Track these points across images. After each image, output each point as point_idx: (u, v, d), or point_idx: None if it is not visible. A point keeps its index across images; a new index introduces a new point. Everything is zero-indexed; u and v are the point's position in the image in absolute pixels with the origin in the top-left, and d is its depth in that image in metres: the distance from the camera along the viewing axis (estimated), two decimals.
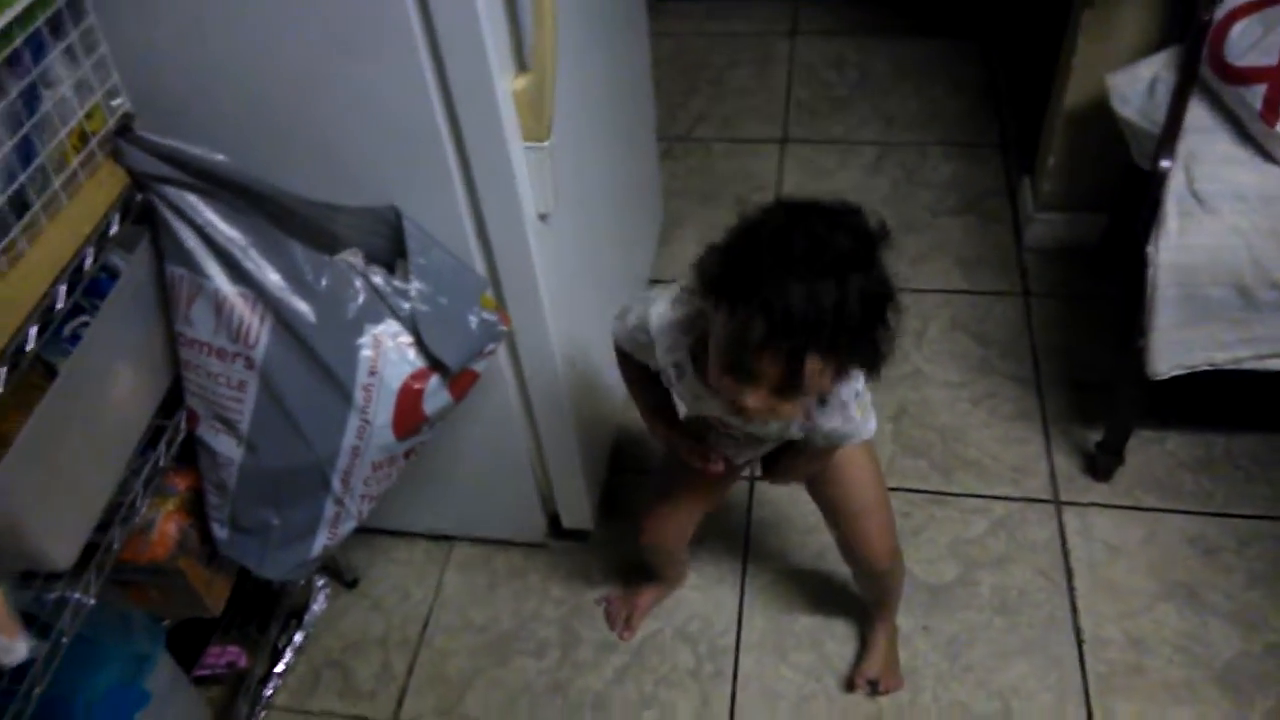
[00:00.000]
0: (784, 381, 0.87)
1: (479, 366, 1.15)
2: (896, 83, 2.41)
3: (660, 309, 1.05)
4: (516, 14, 1.04)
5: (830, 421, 1.04)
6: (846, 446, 1.13)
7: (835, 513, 1.27)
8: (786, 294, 0.82)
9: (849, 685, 1.40)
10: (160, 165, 1.00)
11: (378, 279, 1.09)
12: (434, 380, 1.11)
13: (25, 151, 0.90)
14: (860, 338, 0.86)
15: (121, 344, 1.04)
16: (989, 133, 2.25)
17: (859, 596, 1.42)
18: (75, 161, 0.96)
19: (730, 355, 0.89)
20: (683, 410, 1.17)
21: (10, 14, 0.84)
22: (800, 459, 1.17)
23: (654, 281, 1.98)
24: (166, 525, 1.14)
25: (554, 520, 1.57)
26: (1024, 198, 2.02)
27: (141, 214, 1.04)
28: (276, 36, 0.99)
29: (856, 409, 1.05)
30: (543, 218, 1.17)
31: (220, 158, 1.02)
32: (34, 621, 0.93)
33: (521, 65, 1.07)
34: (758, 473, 1.23)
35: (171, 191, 1.02)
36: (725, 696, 1.42)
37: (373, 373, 1.08)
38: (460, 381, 1.14)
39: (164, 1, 0.97)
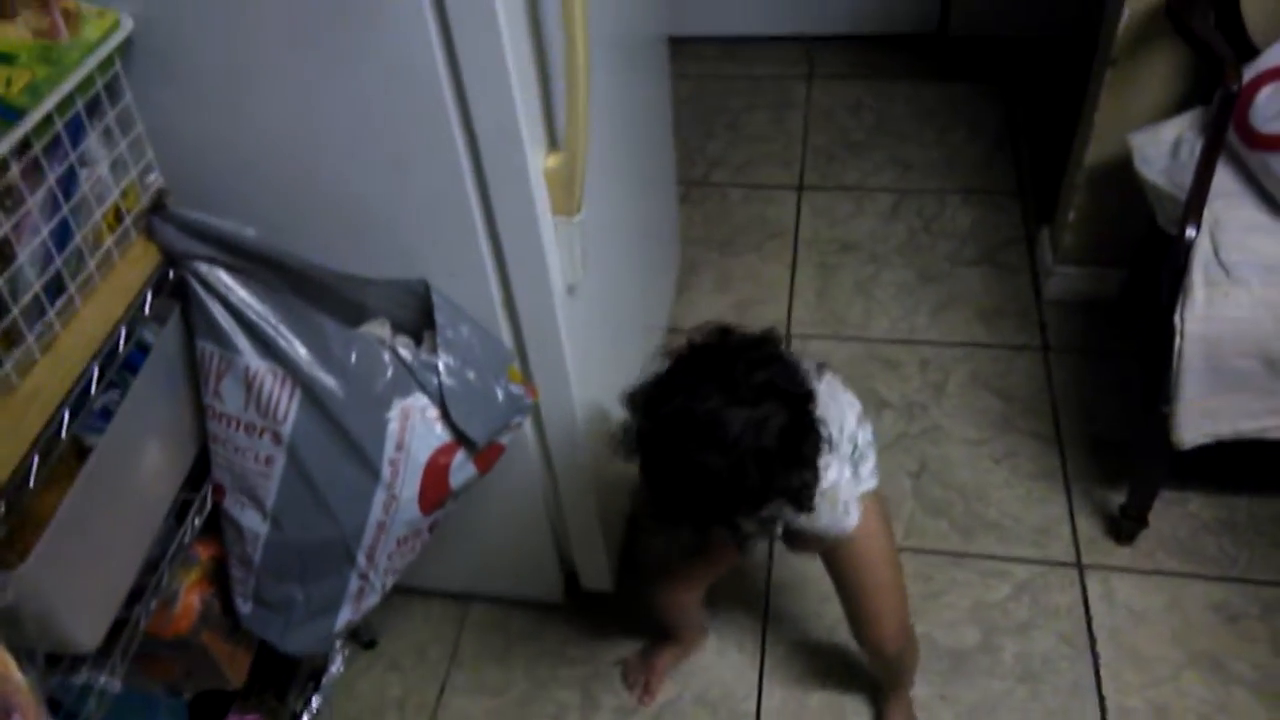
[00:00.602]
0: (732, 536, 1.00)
1: (505, 439, 1.15)
2: (913, 128, 2.41)
3: None
4: (550, 95, 1.04)
5: (800, 521, 1.06)
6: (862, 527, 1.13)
7: (846, 588, 1.25)
8: (699, 492, 0.92)
9: None
10: (192, 242, 1.00)
11: (406, 353, 1.08)
12: (460, 454, 1.11)
13: (61, 234, 0.90)
14: (777, 488, 0.94)
15: (152, 420, 1.03)
16: (1007, 181, 2.25)
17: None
18: (110, 240, 0.96)
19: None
20: None
21: (51, 102, 0.84)
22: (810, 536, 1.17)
23: (672, 330, 1.98)
24: (190, 597, 1.13)
25: (572, 580, 1.56)
26: (1043, 249, 2.01)
27: (174, 289, 1.03)
28: (312, 114, 0.99)
29: (826, 504, 1.05)
30: (570, 289, 1.17)
31: (250, 232, 1.02)
32: (59, 709, 0.92)
33: (554, 143, 1.07)
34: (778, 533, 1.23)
35: (203, 267, 1.02)
36: None
37: (400, 447, 1.08)
38: (487, 455, 1.13)
39: (202, 80, 0.97)
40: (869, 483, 1.17)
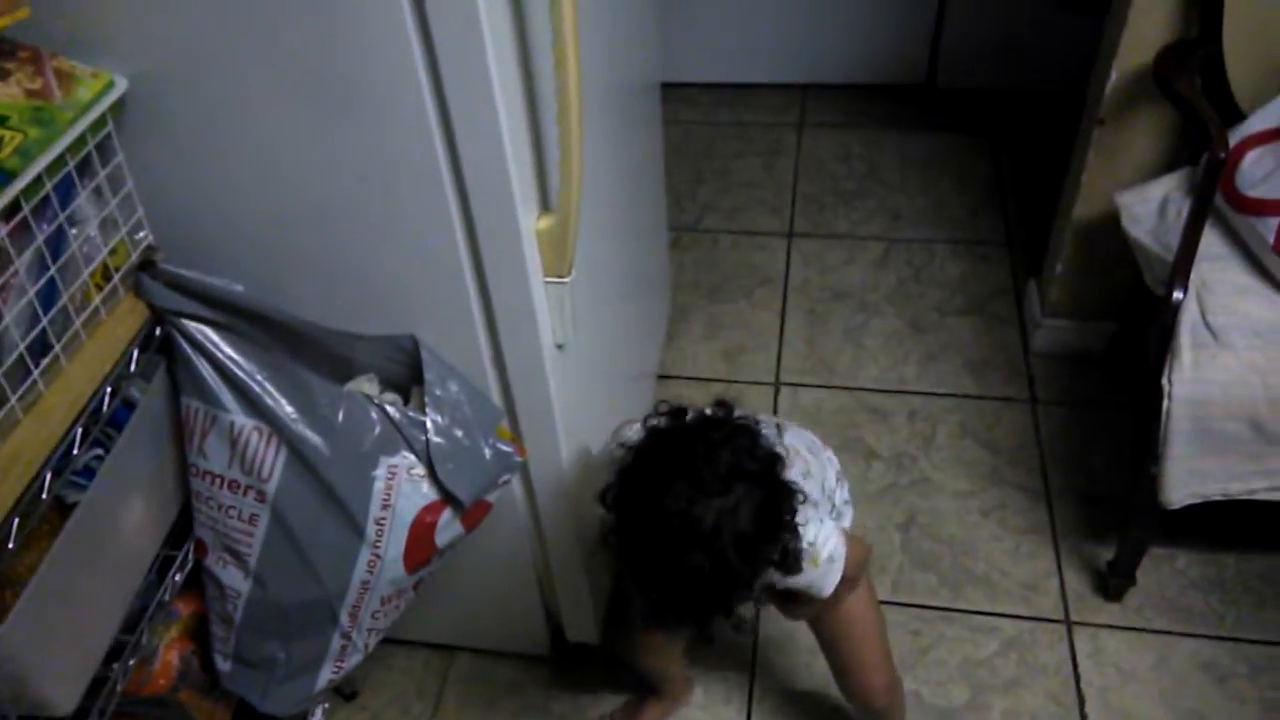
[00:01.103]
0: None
1: (492, 497, 1.14)
2: (903, 178, 2.43)
3: None
4: (543, 155, 1.05)
5: (785, 580, 1.05)
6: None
7: (830, 643, 1.24)
8: (689, 591, 0.92)
9: None
10: (180, 298, 1.00)
11: (393, 410, 1.08)
12: (447, 513, 1.10)
13: (48, 294, 0.89)
14: (764, 563, 0.95)
15: (135, 477, 1.02)
16: (995, 232, 2.27)
17: None
18: (97, 299, 0.95)
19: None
20: None
21: (41, 164, 0.84)
22: (800, 598, 1.16)
23: (662, 378, 1.98)
24: (169, 654, 1.12)
25: (557, 632, 1.54)
26: (1030, 301, 2.03)
27: (160, 345, 1.03)
28: (304, 171, 0.99)
29: (810, 563, 1.04)
30: (560, 347, 1.17)
31: (239, 288, 1.02)
32: None
33: (546, 204, 1.07)
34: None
35: (190, 325, 1.01)
36: None
37: (386, 505, 1.07)
38: (473, 513, 1.13)
39: (194, 139, 0.97)
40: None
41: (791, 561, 0.98)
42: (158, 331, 1.02)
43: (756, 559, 0.94)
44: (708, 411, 1.02)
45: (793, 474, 1.01)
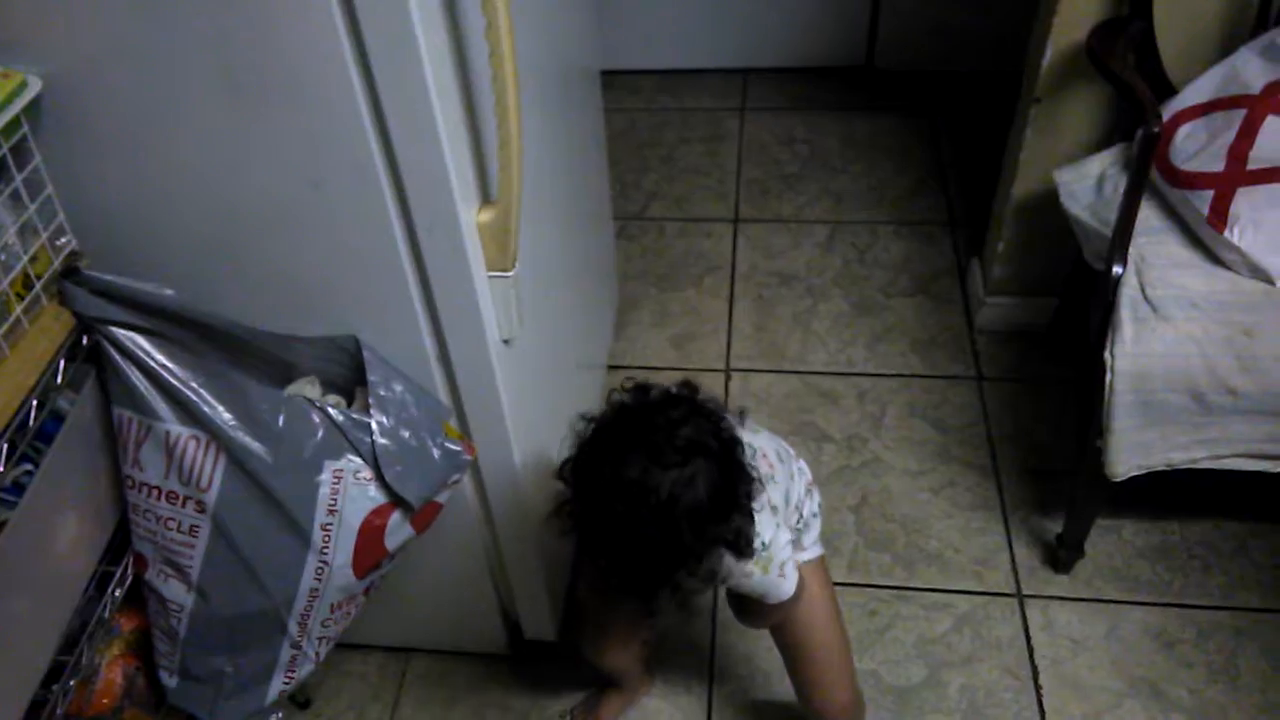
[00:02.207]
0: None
1: (442, 498, 1.12)
2: (845, 161, 2.44)
3: None
4: (482, 146, 1.02)
5: (739, 580, 1.05)
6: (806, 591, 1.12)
7: (791, 655, 1.24)
8: (638, 558, 0.92)
9: None
10: (107, 307, 0.96)
11: (336, 413, 1.05)
12: (396, 515, 1.08)
13: None
14: (712, 539, 0.94)
15: (67, 492, 0.99)
16: (937, 211, 2.29)
17: None
18: (18, 309, 0.91)
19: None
20: None
21: None
22: (757, 606, 1.15)
23: (612, 368, 1.97)
24: (111, 673, 1.08)
25: (515, 630, 1.53)
26: (974, 280, 2.05)
27: (88, 354, 0.99)
28: (231, 171, 0.95)
29: (759, 567, 1.04)
30: (506, 342, 1.15)
31: (169, 293, 0.98)
32: None
33: (486, 195, 1.05)
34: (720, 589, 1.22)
35: (119, 333, 0.98)
36: None
37: (332, 511, 1.05)
38: (423, 514, 1.10)
39: (115, 139, 0.94)
40: (813, 550, 1.17)
41: (743, 545, 0.97)
42: (85, 340, 0.98)
43: (706, 535, 0.93)
44: (672, 390, 1.01)
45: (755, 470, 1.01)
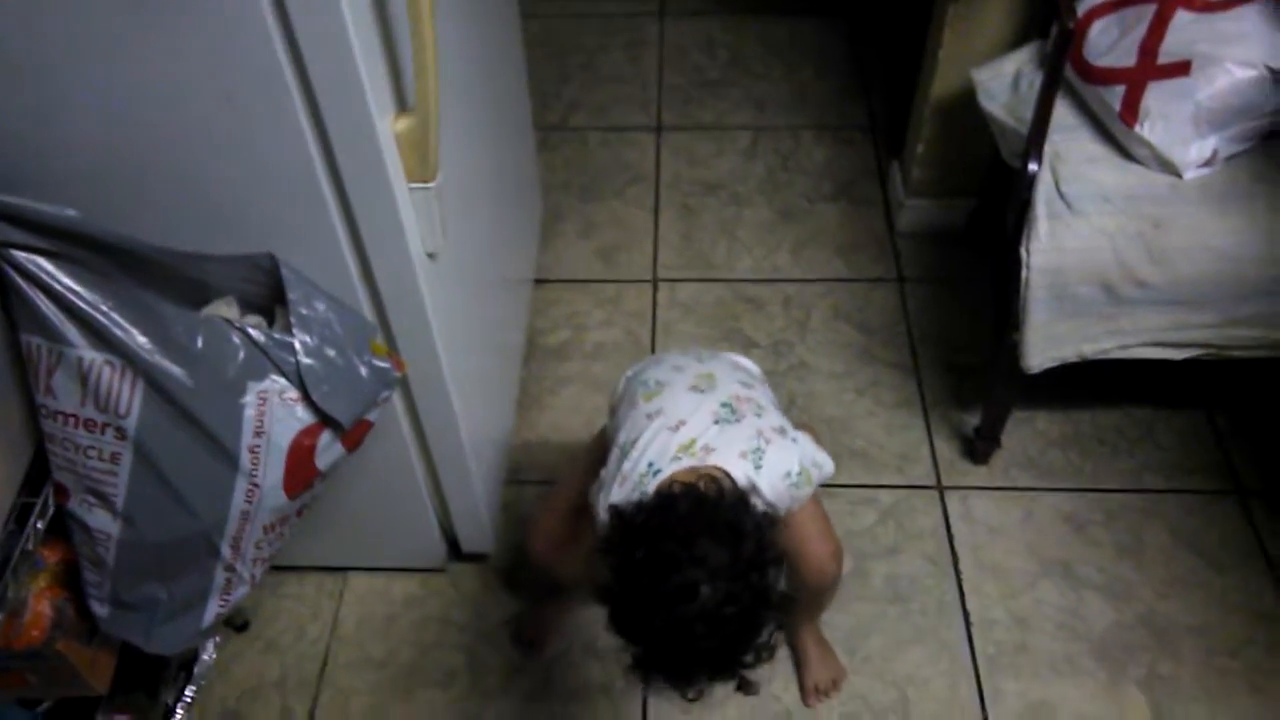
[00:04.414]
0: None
1: (373, 415, 1.11)
2: (766, 65, 2.41)
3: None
4: (395, 51, 0.99)
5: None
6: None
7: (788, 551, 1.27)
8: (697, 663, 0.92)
9: (806, 704, 1.43)
10: (7, 229, 0.91)
11: (257, 333, 1.02)
12: (326, 434, 1.07)
13: None
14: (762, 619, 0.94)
15: None
16: (858, 116, 2.29)
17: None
18: None
19: None
20: None
21: None
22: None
23: (539, 281, 1.95)
24: (39, 605, 1.06)
25: (453, 543, 1.54)
26: (894, 183, 2.06)
27: None
28: (131, 80, 0.90)
29: (806, 486, 1.10)
30: (431, 256, 1.13)
31: (71, 213, 0.93)
32: None
33: (403, 104, 1.02)
34: None
35: (21, 256, 0.93)
36: (637, 712, 1.43)
37: (259, 433, 1.03)
38: (354, 433, 1.09)
39: (13, 54, 0.88)
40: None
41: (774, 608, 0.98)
42: None
43: (761, 598, 0.95)
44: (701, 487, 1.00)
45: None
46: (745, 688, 0.98)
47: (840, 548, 1.29)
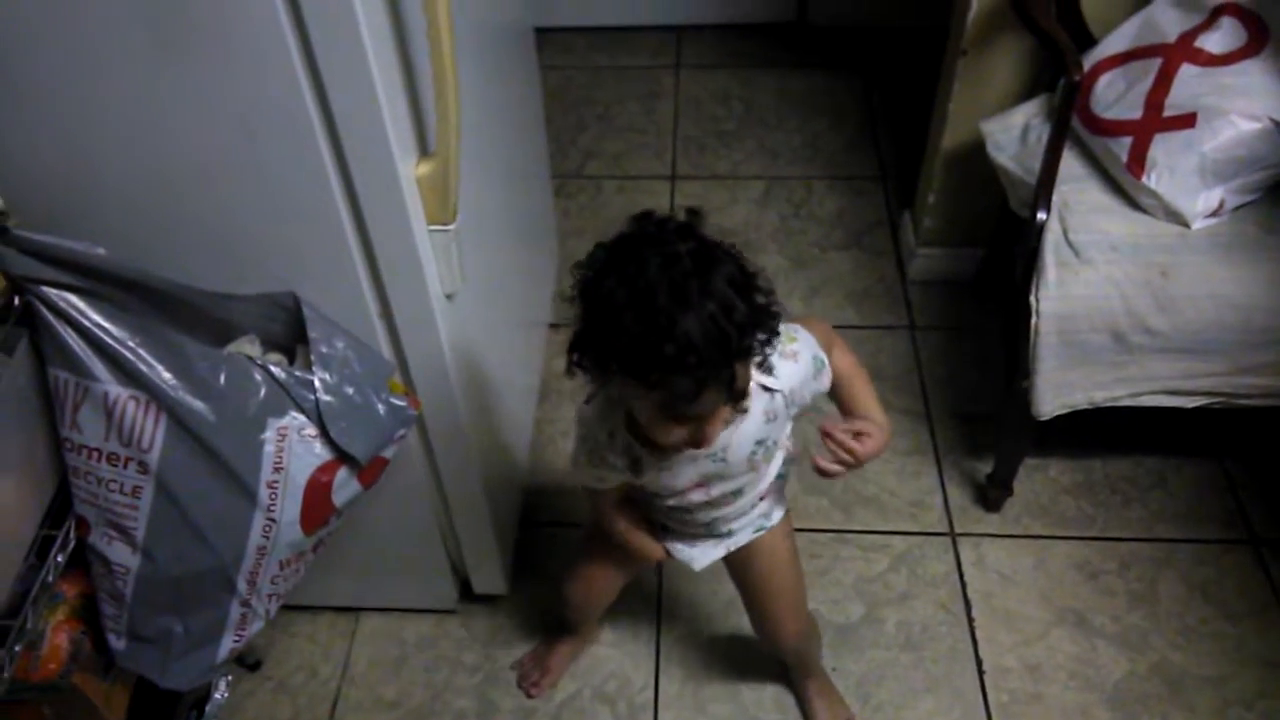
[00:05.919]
0: (727, 395, 0.90)
1: (389, 453, 1.13)
2: (780, 117, 2.46)
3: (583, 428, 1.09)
4: (418, 97, 1.02)
5: (787, 382, 1.07)
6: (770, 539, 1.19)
7: (753, 595, 1.29)
8: (684, 338, 0.84)
9: None
10: (38, 266, 0.94)
11: (278, 370, 1.05)
12: (343, 471, 1.08)
13: None
14: (752, 321, 0.89)
15: (3, 456, 0.97)
16: (869, 166, 2.32)
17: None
18: None
19: (671, 412, 0.91)
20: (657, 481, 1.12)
21: None
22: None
23: (554, 326, 1.97)
24: (57, 638, 1.07)
25: (465, 586, 1.54)
26: (905, 232, 2.09)
27: (20, 316, 0.97)
28: (163, 124, 0.94)
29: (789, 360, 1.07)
30: (449, 297, 1.15)
31: (101, 251, 0.96)
32: None
33: (424, 148, 1.05)
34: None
35: (51, 292, 0.96)
36: None
37: (278, 469, 1.04)
38: (370, 470, 1.11)
39: (40, 91, 0.91)
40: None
41: (772, 320, 0.93)
42: (16, 301, 0.96)
43: (749, 296, 0.91)
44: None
45: None
46: (736, 399, 0.91)
47: (809, 629, 1.35)
